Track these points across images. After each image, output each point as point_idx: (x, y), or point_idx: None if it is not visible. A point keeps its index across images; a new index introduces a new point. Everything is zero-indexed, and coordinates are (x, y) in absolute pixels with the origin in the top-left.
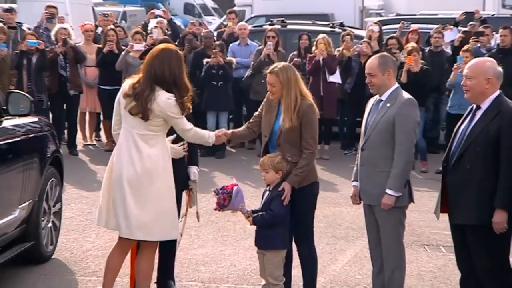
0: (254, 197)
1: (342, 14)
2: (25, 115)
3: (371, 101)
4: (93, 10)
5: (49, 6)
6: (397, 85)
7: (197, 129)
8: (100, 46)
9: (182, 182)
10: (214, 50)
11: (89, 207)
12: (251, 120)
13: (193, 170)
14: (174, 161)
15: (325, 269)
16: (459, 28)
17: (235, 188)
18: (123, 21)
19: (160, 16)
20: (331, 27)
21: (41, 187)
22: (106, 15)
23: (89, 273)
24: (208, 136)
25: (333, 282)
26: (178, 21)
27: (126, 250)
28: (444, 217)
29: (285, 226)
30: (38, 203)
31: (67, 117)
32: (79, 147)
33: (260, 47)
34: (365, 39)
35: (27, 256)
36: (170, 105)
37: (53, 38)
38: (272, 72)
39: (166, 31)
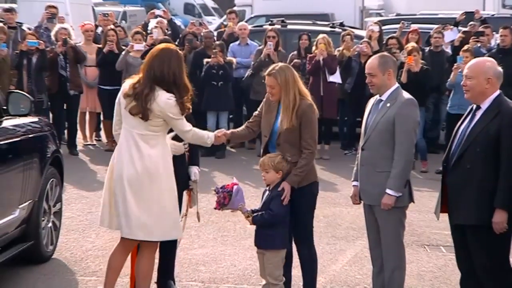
0: (254, 197)
1: (342, 14)
2: (25, 115)
3: (371, 101)
4: (93, 10)
5: (49, 6)
6: (397, 85)
7: (196, 129)
8: (100, 46)
9: (182, 182)
10: (214, 50)
11: (89, 207)
12: (250, 120)
13: (194, 170)
14: (175, 161)
15: (325, 269)
16: (459, 28)
17: (235, 187)
18: (123, 21)
19: (160, 16)
20: (331, 27)
21: (41, 187)
22: (106, 15)
23: (89, 273)
24: (207, 136)
25: (333, 282)
26: (178, 21)
27: (128, 250)
28: (444, 217)
29: (285, 226)
30: (38, 203)
31: (67, 117)
32: (79, 147)
33: (260, 47)
34: (365, 39)
35: (27, 256)
36: (170, 106)
37: (53, 38)
38: (270, 74)
39: (166, 31)
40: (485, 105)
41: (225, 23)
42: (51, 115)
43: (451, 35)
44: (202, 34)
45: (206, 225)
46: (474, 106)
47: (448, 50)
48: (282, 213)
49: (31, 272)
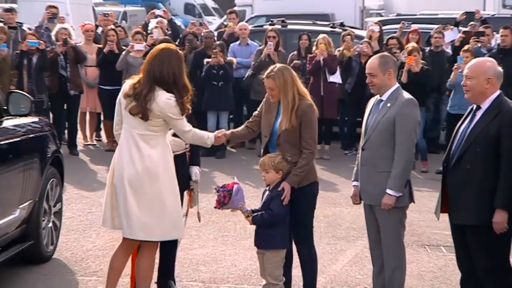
0: (254, 197)
1: (343, 14)
2: (25, 115)
3: (372, 101)
4: (94, 10)
5: (50, 6)
6: (397, 85)
7: (196, 130)
8: (100, 46)
9: (183, 182)
10: (214, 50)
11: (90, 207)
12: (250, 120)
13: (195, 171)
14: (176, 161)
15: (325, 269)
16: (460, 28)
17: (235, 186)
18: (124, 21)
19: (161, 16)
20: (331, 27)
21: (41, 187)
22: (107, 15)
23: (90, 273)
24: (207, 137)
25: (334, 282)
26: (178, 21)
27: (129, 251)
28: (445, 217)
29: (285, 226)
30: (39, 203)
31: (67, 117)
32: (80, 147)
33: (261, 47)
34: (365, 39)
35: (27, 256)
36: (170, 106)
37: (53, 38)
38: (269, 77)
39: (166, 31)
40: (485, 105)
41: (225, 23)
42: (51, 115)
43: (452, 35)
44: (202, 34)
45: (206, 225)
46: (474, 106)
47: (449, 50)
48: (282, 213)
49: (31, 272)
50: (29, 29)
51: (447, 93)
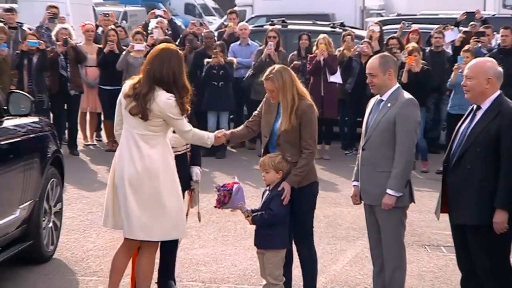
0: (254, 197)
1: (343, 14)
2: (25, 115)
3: (372, 101)
4: (94, 10)
5: (51, 6)
6: (398, 85)
7: (196, 130)
8: (100, 46)
9: (184, 182)
10: (214, 50)
11: (90, 207)
12: (250, 120)
13: (196, 171)
14: (177, 161)
15: (325, 269)
16: (460, 28)
17: (235, 186)
18: (124, 21)
19: (161, 16)
20: (331, 27)
21: (41, 187)
22: (107, 15)
23: (90, 273)
24: (207, 137)
25: (334, 282)
26: (178, 21)
27: (131, 251)
28: (445, 217)
29: (285, 226)
30: (39, 203)
31: (67, 117)
32: (80, 147)
33: (261, 47)
34: (365, 39)
35: (27, 256)
36: (170, 106)
37: (54, 38)
38: (267, 79)
39: (166, 31)
40: (485, 105)
41: (225, 23)
42: (51, 115)
43: (452, 35)
44: (202, 34)
45: (206, 225)
46: (475, 106)
47: (449, 50)
48: (282, 213)
49: (31, 272)
50: (30, 29)
51: (447, 93)
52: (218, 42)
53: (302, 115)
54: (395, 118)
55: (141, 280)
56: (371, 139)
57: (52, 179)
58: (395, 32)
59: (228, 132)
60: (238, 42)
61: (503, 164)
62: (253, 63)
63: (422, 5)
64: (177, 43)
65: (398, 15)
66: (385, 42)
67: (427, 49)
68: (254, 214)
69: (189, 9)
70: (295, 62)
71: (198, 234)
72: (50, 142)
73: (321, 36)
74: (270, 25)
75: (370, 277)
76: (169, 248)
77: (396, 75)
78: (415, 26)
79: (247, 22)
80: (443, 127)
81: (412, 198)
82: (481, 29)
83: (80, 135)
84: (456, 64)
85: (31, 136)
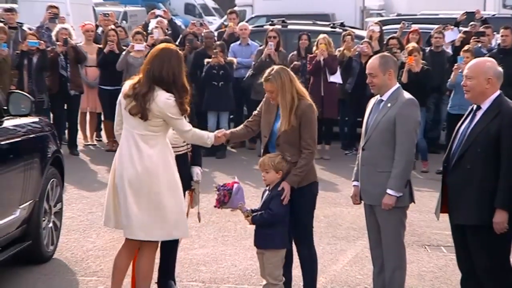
0: (254, 197)
1: (343, 14)
2: (26, 115)
3: (372, 101)
4: (94, 10)
5: (51, 6)
6: (398, 85)
7: (196, 130)
8: (100, 46)
9: (185, 182)
10: (215, 50)
11: (90, 207)
12: (250, 119)
13: (196, 171)
14: (177, 161)
15: (325, 269)
16: (460, 28)
17: (235, 185)
18: (124, 21)
19: (161, 16)
20: (331, 27)
21: (42, 187)
22: (107, 15)
23: (90, 273)
24: (207, 137)
25: (334, 282)
26: (178, 21)
27: (132, 251)
28: (445, 217)
29: (284, 226)
30: (39, 203)
31: (67, 117)
32: (80, 147)
33: (261, 47)
34: (366, 39)
35: (27, 256)
36: (169, 105)
37: (54, 38)
38: (267, 80)
39: (166, 30)
40: (485, 105)
41: (225, 23)
42: (51, 115)
43: (452, 35)
44: (202, 34)
45: (206, 225)
46: (475, 106)
47: (449, 50)
48: (281, 212)
49: (31, 272)
50: (30, 29)
51: (447, 93)
52: (218, 42)
53: (302, 115)
54: (395, 118)
55: (141, 280)
56: (371, 139)
57: (52, 179)
58: (395, 32)
59: (228, 132)
60: (238, 42)
61: (503, 164)
62: (253, 63)
63: (422, 5)
64: (177, 43)
65: (398, 15)
66: (385, 42)
67: (427, 49)
68: (254, 214)
69: (189, 9)
70: (295, 63)
71: (198, 234)
72: (50, 142)
73: (321, 36)
74: (270, 25)
75: (370, 277)
76: (169, 248)
77: (396, 75)
78: (415, 26)
79: (247, 22)
80: (443, 127)
81: (412, 198)
82: (481, 29)
83: (80, 135)
84: (456, 64)
85: (31, 136)
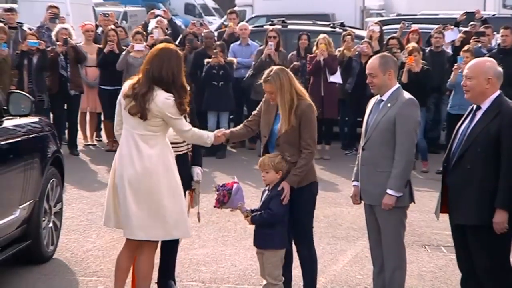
0: (254, 197)
1: (343, 14)
2: (26, 115)
3: (372, 101)
4: (94, 10)
5: (51, 6)
6: (398, 85)
7: (196, 129)
8: (100, 46)
9: (185, 182)
10: (215, 50)
11: (90, 207)
12: (249, 119)
13: (197, 171)
14: (177, 161)
15: (325, 269)
16: (460, 28)
17: (235, 185)
18: (124, 21)
19: (161, 16)
20: (331, 27)
21: (41, 187)
22: (107, 15)
23: (90, 273)
24: (207, 136)
25: (334, 282)
26: (178, 21)
27: (133, 250)
28: (445, 217)
29: (284, 225)
30: (39, 203)
31: (67, 117)
32: (80, 147)
33: (261, 47)
34: (365, 39)
35: (27, 256)
36: (168, 105)
37: (54, 38)
38: (266, 81)
39: (166, 30)
40: (485, 105)
41: (225, 23)
42: (51, 115)
43: (452, 35)
44: (202, 34)
45: (206, 225)
46: (475, 106)
47: (449, 50)
48: (281, 212)
49: (31, 272)
50: (30, 29)
51: (447, 93)
52: (218, 42)
53: (302, 115)
54: (395, 118)
55: (141, 280)
56: (371, 139)
57: (52, 179)
58: (395, 32)
59: (227, 131)
60: (238, 42)
61: (503, 164)
62: (253, 63)
63: (422, 5)
64: (177, 43)
65: (398, 15)
66: (385, 42)
67: (427, 49)
68: (254, 214)
69: (189, 9)
70: (295, 63)
71: (198, 234)
72: (50, 142)
73: (321, 36)
74: (270, 25)
75: (370, 277)
76: (170, 248)
77: (396, 75)
78: (415, 26)
79: (247, 22)
80: (443, 127)
81: (412, 198)
82: (481, 29)
83: (80, 135)
84: (456, 64)
85: (31, 136)
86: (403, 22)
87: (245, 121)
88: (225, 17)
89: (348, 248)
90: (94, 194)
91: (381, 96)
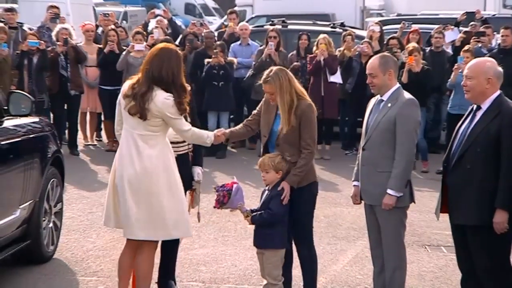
0: (254, 197)
1: (343, 14)
2: (26, 115)
3: (372, 101)
4: (94, 10)
5: (52, 6)
6: (398, 85)
7: (195, 129)
8: (101, 46)
9: (186, 182)
10: (215, 50)
11: (90, 207)
12: (249, 118)
13: (197, 171)
14: (178, 161)
15: (326, 269)
16: (460, 28)
17: (235, 186)
18: (124, 21)
19: (161, 16)
20: (332, 27)
21: (42, 187)
22: (107, 15)
23: (90, 273)
24: (207, 136)
25: (334, 282)
26: (179, 21)
27: (134, 250)
28: (445, 217)
29: (284, 225)
30: (39, 203)
31: (68, 117)
32: (80, 147)
33: (261, 47)
34: (366, 39)
35: (28, 256)
36: (168, 105)
37: (54, 38)
38: (266, 82)
39: (166, 30)
40: (485, 105)
41: (226, 23)
42: (52, 115)
43: (452, 35)
44: (203, 34)
45: (206, 225)
46: (475, 106)
47: (449, 50)
48: (281, 212)
49: (31, 272)
50: (30, 29)
51: (447, 93)
52: (218, 42)
53: (302, 115)
54: (396, 118)
55: (141, 280)
56: (371, 139)
57: (52, 179)
58: (395, 32)
59: (227, 131)
60: (238, 42)
61: (503, 164)
62: (253, 63)
63: (422, 5)
64: (177, 43)
65: (398, 15)
66: (385, 42)
67: (427, 49)
68: (254, 214)
69: (189, 9)
70: (295, 63)
71: (198, 234)
72: (50, 142)
73: (321, 36)
74: (270, 25)
75: (370, 277)
76: (170, 248)
77: (396, 75)
78: (415, 26)
79: (247, 22)
80: (443, 127)
81: (412, 198)
82: (481, 29)
83: (80, 135)
84: (456, 64)
85: (31, 136)
86: (403, 22)
87: (245, 121)
88: (225, 17)
89: (348, 248)
90: (94, 194)
91: (381, 96)
